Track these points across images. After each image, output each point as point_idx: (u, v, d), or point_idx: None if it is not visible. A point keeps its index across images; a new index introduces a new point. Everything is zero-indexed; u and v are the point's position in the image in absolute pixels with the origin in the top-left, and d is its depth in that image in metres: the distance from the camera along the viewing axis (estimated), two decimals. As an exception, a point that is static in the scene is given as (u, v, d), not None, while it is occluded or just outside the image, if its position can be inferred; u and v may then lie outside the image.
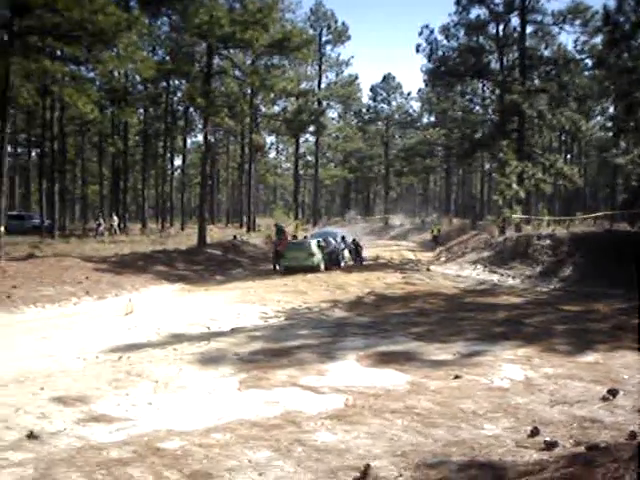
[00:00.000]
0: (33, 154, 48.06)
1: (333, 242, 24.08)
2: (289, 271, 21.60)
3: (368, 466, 4.83)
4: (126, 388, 7.49)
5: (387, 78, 64.46)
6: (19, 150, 49.71)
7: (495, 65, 32.47)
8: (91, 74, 32.08)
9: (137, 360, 8.94)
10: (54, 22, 20.20)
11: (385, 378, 7.86)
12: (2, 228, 19.54)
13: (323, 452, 5.31)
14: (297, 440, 5.60)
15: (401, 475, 4.79)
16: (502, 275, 20.43)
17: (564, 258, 19.60)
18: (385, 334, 10.91)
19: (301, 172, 58.98)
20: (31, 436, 5.81)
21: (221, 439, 5.69)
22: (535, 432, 5.55)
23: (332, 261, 23.30)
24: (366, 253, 27.43)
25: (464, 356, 9.09)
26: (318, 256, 22.29)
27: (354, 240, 26.60)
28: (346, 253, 25.57)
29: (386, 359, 8.89)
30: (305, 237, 26.71)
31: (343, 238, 25.98)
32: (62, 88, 22.65)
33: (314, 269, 21.79)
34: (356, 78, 58.17)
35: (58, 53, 26.89)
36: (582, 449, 4.79)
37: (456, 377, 7.74)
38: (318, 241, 23.49)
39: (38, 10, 19.50)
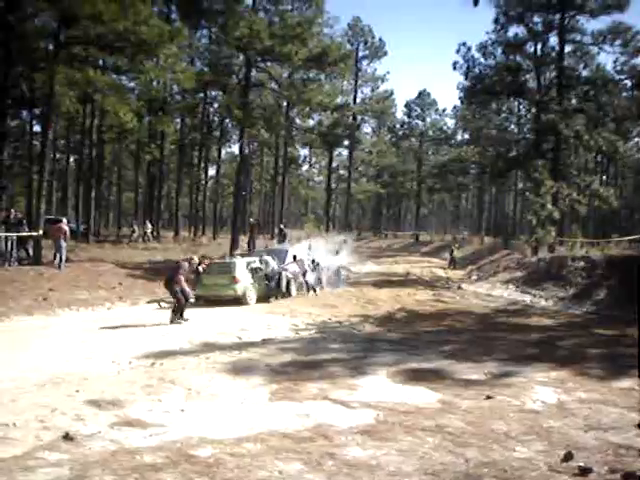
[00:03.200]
0: (71, 160, 48.94)
1: (273, 263, 19.04)
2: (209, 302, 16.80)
3: (399, 483, 4.82)
4: (159, 394, 7.59)
5: (422, 94, 64.43)
6: (58, 155, 50.70)
7: (532, 84, 32.26)
8: (131, 83, 32.75)
9: (170, 367, 9.06)
10: (98, 33, 20.70)
11: (416, 395, 7.83)
12: (41, 232, 19.98)
13: (354, 467, 5.30)
14: (328, 454, 5.60)
15: (432, 494, 4.77)
16: (534, 296, 20.20)
17: (598, 281, 19.29)
18: (416, 351, 10.86)
19: (333, 186, 59.11)
20: (67, 437, 5.91)
21: (252, 449, 5.72)
22: (569, 457, 5.47)
23: (272, 288, 18.26)
24: (399, 269, 27.11)
25: (495, 376, 9.00)
26: (244, 283, 17.20)
27: (313, 261, 21.34)
28: (309, 278, 20.06)
29: (417, 376, 8.85)
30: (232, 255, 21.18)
31: (294, 257, 20.17)
32: (104, 97, 23.11)
33: (239, 301, 16.92)
34: (391, 94, 58.39)
35: (100, 63, 27.49)
36: (617, 477, 4.73)
37: (488, 397, 7.68)
38: (248, 263, 18.26)
39: (84, 21, 19.98)
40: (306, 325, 13.42)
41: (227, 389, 7.94)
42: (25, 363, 9.39)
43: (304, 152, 60.74)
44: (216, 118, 45.86)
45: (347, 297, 18.55)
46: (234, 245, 27.23)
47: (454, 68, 31.71)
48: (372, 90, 56.54)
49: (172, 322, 13.36)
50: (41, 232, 20.14)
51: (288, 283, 18.73)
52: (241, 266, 17.69)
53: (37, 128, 38.42)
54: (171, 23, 26.02)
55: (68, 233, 20.66)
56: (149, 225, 36.75)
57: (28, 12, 22.40)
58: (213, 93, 41.90)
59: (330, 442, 5.95)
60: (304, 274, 19.73)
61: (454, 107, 63.85)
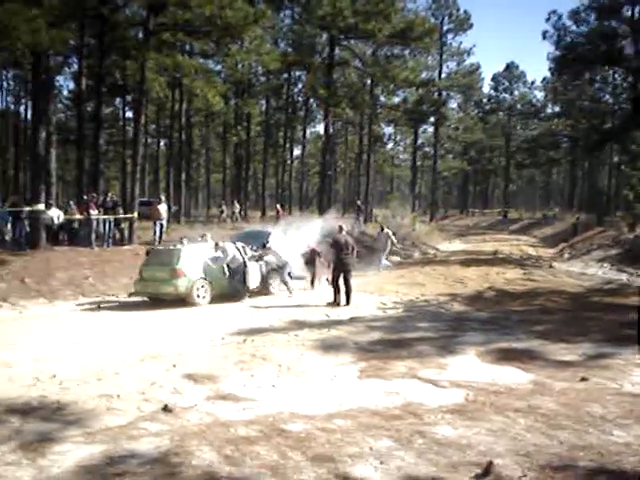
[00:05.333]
0: (162, 144, 50.59)
1: (236, 252, 14.45)
2: (155, 301, 13.77)
3: (491, 463, 4.77)
4: (251, 370, 7.81)
5: (510, 67, 62.44)
6: (149, 140, 52.58)
7: (629, 50, 30.54)
8: (217, 67, 33.45)
9: (261, 343, 9.31)
10: (186, 18, 21.22)
11: (506, 375, 7.69)
12: (135, 214, 20.86)
13: (444, 446, 5.29)
14: (418, 432, 5.61)
15: (525, 475, 4.68)
16: (631, 275, 19.32)
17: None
18: (506, 330, 10.66)
19: (419, 163, 58.40)
20: (166, 409, 6.20)
21: (342, 425, 5.80)
22: (671, 442, 5.25)
23: (236, 284, 14.25)
24: (486, 247, 26.42)
25: (591, 358, 8.70)
26: (191, 277, 13.54)
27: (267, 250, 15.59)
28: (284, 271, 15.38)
29: (507, 356, 8.69)
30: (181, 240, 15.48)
31: (264, 245, 15.66)
32: (192, 81, 23.70)
33: (182, 300, 13.46)
34: (478, 67, 56.90)
35: (188, 48, 28.19)
36: None
37: (582, 379, 7.44)
38: (200, 250, 14.46)
39: (172, 8, 20.52)
40: (393, 304, 13.41)
41: (317, 366, 8.08)
42: (126, 338, 9.91)
43: (389, 130, 60.20)
44: (300, 98, 46.21)
45: (435, 276, 18.36)
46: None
47: (544, 37, 30.57)
48: (458, 64, 55.31)
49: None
50: (135, 214, 21.02)
51: (265, 278, 14.95)
52: (188, 255, 13.86)
53: (129, 114, 39.99)
54: (255, 5, 26.24)
55: (165, 214, 21.50)
56: (237, 205, 37.58)
57: (119, 3, 23.24)
58: (297, 73, 42.21)
59: (420, 420, 5.96)
60: (280, 267, 15.32)
61: (544, 79, 61.53)
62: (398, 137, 67.40)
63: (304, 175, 55.31)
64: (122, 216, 20.73)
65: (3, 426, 5.69)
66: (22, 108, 46.25)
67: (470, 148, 62.58)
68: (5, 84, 47.63)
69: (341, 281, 13.25)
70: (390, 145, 66.52)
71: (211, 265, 14.06)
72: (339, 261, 13.27)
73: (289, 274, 15.44)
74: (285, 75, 40.96)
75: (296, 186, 53.64)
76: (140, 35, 23.30)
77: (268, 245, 15.57)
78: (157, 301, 13.61)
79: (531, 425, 5.83)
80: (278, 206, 33.19)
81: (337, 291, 13.23)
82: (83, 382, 7.22)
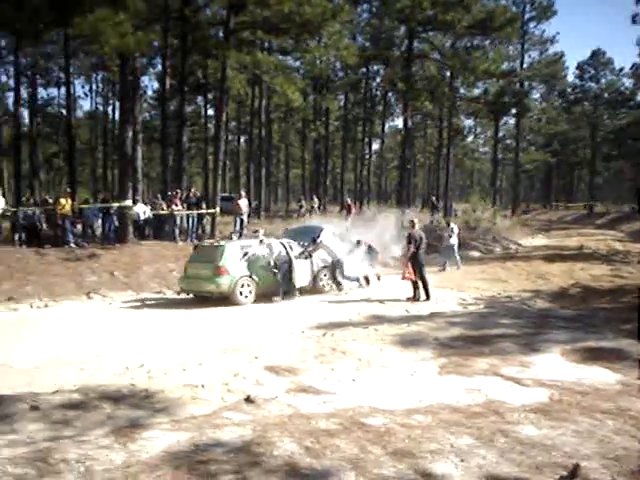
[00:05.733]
0: (242, 140, 51.54)
1: (281, 249, 13.86)
2: (199, 299, 13.44)
3: (577, 466, 4.63)
4: (331, 363, 7.89)
5: (596, 54, 59.89)
6: (230, 137, 53.74)
7: None
8: (296, 63, 33.78)
9: (341, 338, 9.38)
10: (265, 16, 21.51)
11: (593, 375, 7.43)
12: (217, 209, 21.38)
13: (527, 446, 5.17)
14: (500, 430, 5.51)
15: None
16: None
17: None
18: (592, 329, 10.28)
19: (500, 156, 57.02)
20: (248, 400, 6.36)
21: (423, 421, 5.77)
22: None
23: (283, 282, 13.55)
24: (571, 242, 25.37)
25: (686, 359, 8.30)
26: (231, 276, 13.02)
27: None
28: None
29: (593, 355, 8.38)
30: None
31: (314, 240, 14.74)
32: (273, 78, 24.03)
33: (226, 298, 12.99)
34: (561, 56, 54.92)
35: (267, 45, 28.58)
36: None
37: (675, 380, 7.12)
38: (244, 247, 13.80)
39: (251, 6, 20.84)
40: (474, 299, 13.18)
41: (396, 361, 8.07)
42: (208, 331, 10.21)
43: (469, 122, 59.07)
44: (379, 92, 46.00)
45: (517, 272, 17.92)
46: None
47: (633, 21, 29.08)
48: (540, 53, 53.48)
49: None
50: (217, 209, 21.54)
51: (316, 275, 14.49)
52: (232, 252, 13.41)
53: (211, 112, 40.98)
54: (333, 1, 26.32)
55: (245, 208, 21.94)
56: (316, 200, 37.82)
57: (201, 3, 23.83)
58: (375, 67, 42.04)
59: (502, 419, 5.85)
60: (335, 264, 14.60)
61: (633, 65, 58.52)
62: (478, 130, 66.10)
63: (383, 169, 55.03)
64: (204, 211, 21.28)
65: (97, 412, 5.98)
66: (110, 109, 48.26)
67: (553, 140, 60.52)
68: (94, 86, 49.81)
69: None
70: (470, 138, 65.35)
71: (256, 262, 13.52)
72: (415, 256, 13.20)
73: (341, 272, 14.62)
74: (363, 69, 40.87)
75: (374, 180, 53.49)
76: (221, 34, 23.81)
77: (319, 241, 14.68)
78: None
79: (620, 428, 5.63)
80: (348, 200, 32.21)
81: (417, 286, 13.16)
82: (169, 372, 7.49)
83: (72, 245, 18.05)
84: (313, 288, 14.42)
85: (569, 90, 61.98)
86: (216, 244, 14.38)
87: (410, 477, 4.57)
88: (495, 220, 29.47)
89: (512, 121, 54.44)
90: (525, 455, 4.98)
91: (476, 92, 43.91)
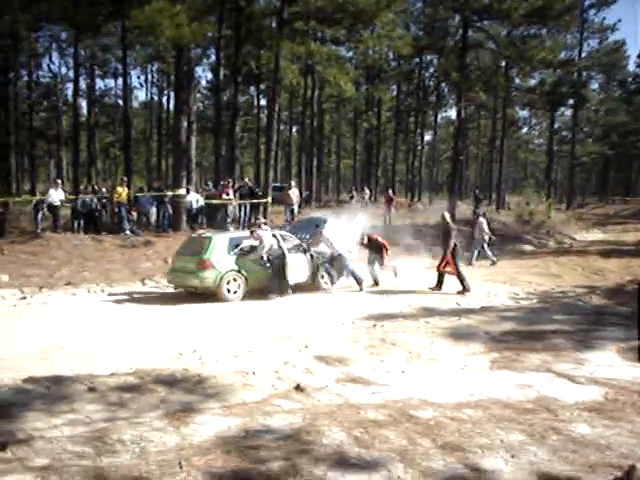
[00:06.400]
0: (294, 130, 51.72)
1: (273, 241, 12.72)
2: (191, 294, 12.54)
3: (633, 467, 4.49)
4: (381, 355, 7.89)
5: (660, 43, 57.74)
6: (282, 127, 54.02)
7: None
8: (349, 53, 33.66)
9: (391, 329, 9.36)
10: (318, 6, 21.48)
11: (650, 374, 7.25)
12: (269, 198, 21.55)
13: (580, 444, 5.09)
14: (552, 428, 5.43)
15: (673, 483, 4.42)
16: None
17: None
18: (650, 327, 10.00)
19: (555, 148, 55.67)
20: (298, 388, 6.42)
21: (473, 415, 5.73)
22: None
23: (276, 277, 12.54)
24: (628, 237, 24.57)
25: None
26: (217, 270, 12.02)
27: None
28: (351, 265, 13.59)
29: (652, 354, 8.18)
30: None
31: (315, 234, 13.76)
32: (325, 68, 24.01)
33: (213, 293, 12.10)
34: (622, 44, 53.10)
35: (320, 35, 28.57)
36: None
37: None
38: (231, 239, 12.74)
39: (306, -4, 20.87)
40: (527, 294, 12.96)
41: (447, 354, 8.02)
42: (259, 319, 10.33)
43: (524, 113, 57.84)
44: (432, 83, 45.48)
45: (571, 266, 17.53)
46: (451, 211, 27.03)
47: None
48: (600, 42, 51.76)
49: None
50: (269, 199, 21.72)
51: (315, 272, 13.27)
52: (220, 244, 12.41)
53: (263, 102, 41.24)
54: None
55: (296, 199, 22.06)
56: (367, 191, 37.73)
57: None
58: (428, 57, 41.57)
59: (554, 416, 5.76)
60: (334, 259, 13.51)
61: (698, 53, 56.36)
62: (533, 121, 64.68)
63: (435, 161, 54.43)
64: (256, 201, 21.49)
65: (151, 395, 6.14)
66: (165, 99, 49.05)
67: (612, 131, 58.62)
68: (150, 77, 50.74)
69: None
70: (525, 129, 64.02)
71: (246, 256, 12.49)
72: (453, 249, 13.18)
73: (339, 268, 13.50)
74: (416, 59, 40.48)
75: (426, 172, 53.00)
76: (274, 24, 23.91)
77: (321, 233, 13.46)
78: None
79: (680, 429, 5.47)
80: (390, 192, 29.78)
81: (463, 278, 13.08)
82: (220, 358, 7.62)
83: (128, 232, 18.51)
84: (312, 285, 13.27)
85: (629, 80, 59.93)
86: (204, 235, 13.21)
87: (459, 471, 4.56)
88: (549, 213, 28.93)
89: (569, 112, 53.11)
90: (578, 454, 4.90)
91: (532, 82, 42.94)
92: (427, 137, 53.73)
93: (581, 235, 29.44)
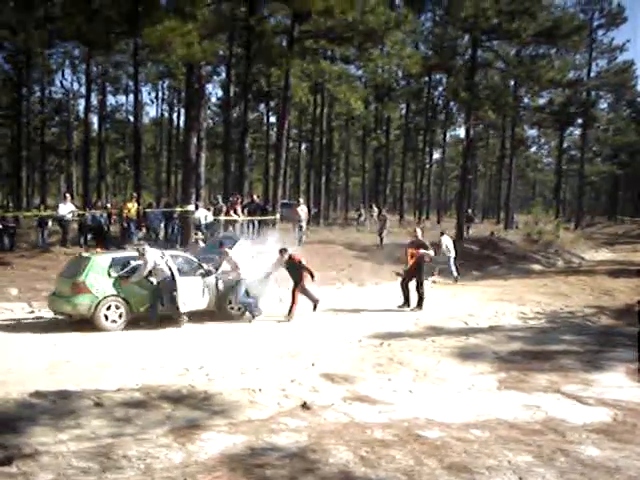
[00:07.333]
0: (303, 147, 51.89)
1: (161, 262, 11.02)
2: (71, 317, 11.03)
3: (642, 489, 4.50)
4: (388, 373, 7.86)
5: (669, 63, 57.72)
6: (291, 144, 54.21)
7: None
8: (358, 72, 33.86)
9: (397, 348, 9.33)
10: (329, 25, 21.62)
11: (660, 397, 7.19)
12: (277, 215, 21.59)
13: (589, 467, 5.04)
14: (560, 449, 5.39)
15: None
16: None
17: None
18: (660, 348, 9.93)
19: (564, 167, 55.57)
20: (304, 406, 6.41)
21: (480, 436, 5.70)
22: None
23: (166, 304, 11.00)
24: (638, 257, 24.31)
25: None
26: (93, 295, 10.54)
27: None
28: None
29: (661, 376, 8.11)
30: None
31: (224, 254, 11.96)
32: (335, 86, 24.14)
33: (87, 319, 10.63)
34: (631, 64, 53.00)
35: (330, 54, 28.77)
36: None
37: None
38: (114, 260, 11.20)
39: (316, 15, 21.01)
40: (535, 314, 12.90)
41: (454, 373, 7.98)
42: (266, 336, 10.30)
43: (532, 132, 57.79)
44: (441, 101, 45.60)
45: (580, 286, 17.45)
46: (459, 229, 27.03)
47: None
48: (609, 62, 51.72)
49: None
50: (278, 216, 21.74)
51: (221, 298, 11.85)
52: (99, 265, 10.88)
53: (273, 119, 41.47)
54: (395, 9, 26.28)
55: (304, 216, 22.08)
56: (375, 209, 37.73)
57: (265, 13, 24.19)
58: (438, 76, 41.69)
59: (562, 437, 5.72)
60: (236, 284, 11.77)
61: None
62: (542, 140, 64.60)
63: (443, 179, 54.39)
64: (265, 218, 21.51)
65: (157, 411, 6.14)
66: (175, 115, 49.43)
67: (621, 151, 58.53)
68: (160, 94, 51.17)
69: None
70: (533, 148, 63.94)
71: (129, 279, 10.95)
72: (422, 264, 13.34)
73: (237, 294, 11.74)
74: (426, 78, 40.60)
75: (435, 190, 52.99)
76: (285, 43, 24.09)
77: (227, 254, 11.90)
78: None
79: (689, 453, 5.42)
80: (383, 211, 28.65)
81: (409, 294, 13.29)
82: (227, 375, 7.61)
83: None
84: (219, 312, 11.87)
85: (638, 100, 59.87)
86: (85, 255, 11.73)
87: (466, 492, 4.53)
88: (558, 233, 28.79)
89: (578, 131, 53.06)
90: (586, 476, 4.87)
91: (541, 102, 42.92)
92: (436, 155, 53.78)
93: (590, 255, 29.32)
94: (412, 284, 13.38)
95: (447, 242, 19.00)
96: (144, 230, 20.14)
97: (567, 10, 37.34)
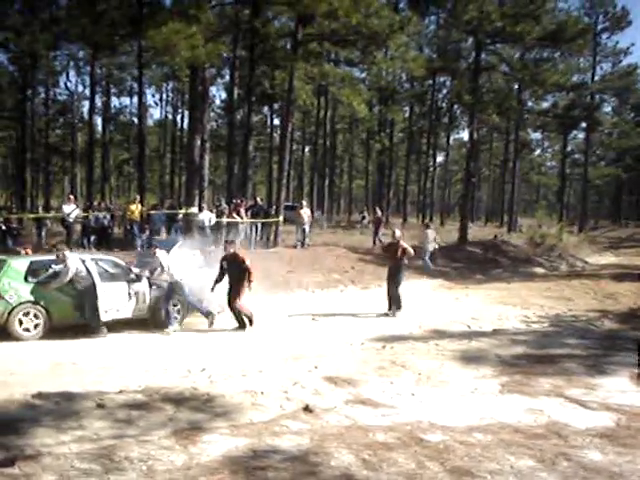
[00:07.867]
0: (306, 150, 51.99)
1: (80, 266, 10.15)
2: None
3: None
4: (390, 377, 7.84)
5: (673, 66, 57.56)
6: (295, 146, 54.30)
7: None
8: (362, 74, 33.91)
9: (400, 351, 9.30)
10: (333, 28, 21.66)
11: (665, 402, 7.16)
12: (281, 218, 21.60)
13: (592, 471, 5.02)
14: (562, 454, 5.37)
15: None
16: None
17: None
18: (664, 352, 9.90)
19: (567, 171, 55.54)
20: (307, 409, 6.39)
21: (482, 440, 5.68)
22: None
23: (87, 311, 10.08)
24: None
25: None
26: (6, 302, 9.60)
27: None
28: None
29: (666, 381, 8.09)
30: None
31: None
32: (339, 89, 24.17)
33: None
34: (636, 68, 52.91)
35: (333, 56, 28.83)
36: None
37: None
38: (33, 263, 10.35)
39: (320, 18, 21.04)
40: (538, 317, 12.87)
41: (457, 377, 7.96)
42: (270, 338, 10.29)
43: (536, 136, 57.80)
44: (444, 104, 45.61)
45: (583, 290, 17.41)
46: (463, 232, 27.01)
47: None
48: (613, 65, 51.70)
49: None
50: (281, 218, 21.76)
51: (154, 305, 10.96)
52: (14, 270, 10.00)
53: (276, 122, 41.54)
54: (400, 12, 26.33)
55: (307, 218, 22.08)
56: (378, 211, 37.72)
57: (270, 16, 24.25)
58: (441, 79, 41.72)
59: (565, 442, 5.70)
60: (171, 289, 10.88)
61: None
62: (546, 143, 64.64)
63: (447, 182, 54.44)
64: (268, 220, 21.52)
65: (159, 413, 6.14)
66: (179, 117, 49.55)
67: (625, 154, 58.47)
68: (164, 96, 51.32)
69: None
70: (537, 152, 63.93)
71: (48, 285, 10.09)
72: (401, 266, 13.11)
73: (166, 300, 10.84)
74: (429, 81, 40.64)
75: (438, 193, 52.98)
76: (288, 46, 24.14)
77: (155, 256, 10.97)
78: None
79: (693, 458, 5.39)
80: (378, 212, 28.24)
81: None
82: (229, 377, 7.59)
83: (139, 249, 18.55)
84: (152, 320, 10.95)
85: (643, 103, 59.85)
86: (1, 258, 10.75)
87: (468, 496, 4.52)
88: (561, 236, 28.72)
89: (581, 135, 53.06)
90: (589, 481, 4.85)
91: (545, 105, 43.02)
92: (439, 158, 53.75)
93: (593, 258, 29.26)
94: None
95: (431, 235, 19.92)
96: (147, 232, 20.16)
97: (571, 13, 37.25)
